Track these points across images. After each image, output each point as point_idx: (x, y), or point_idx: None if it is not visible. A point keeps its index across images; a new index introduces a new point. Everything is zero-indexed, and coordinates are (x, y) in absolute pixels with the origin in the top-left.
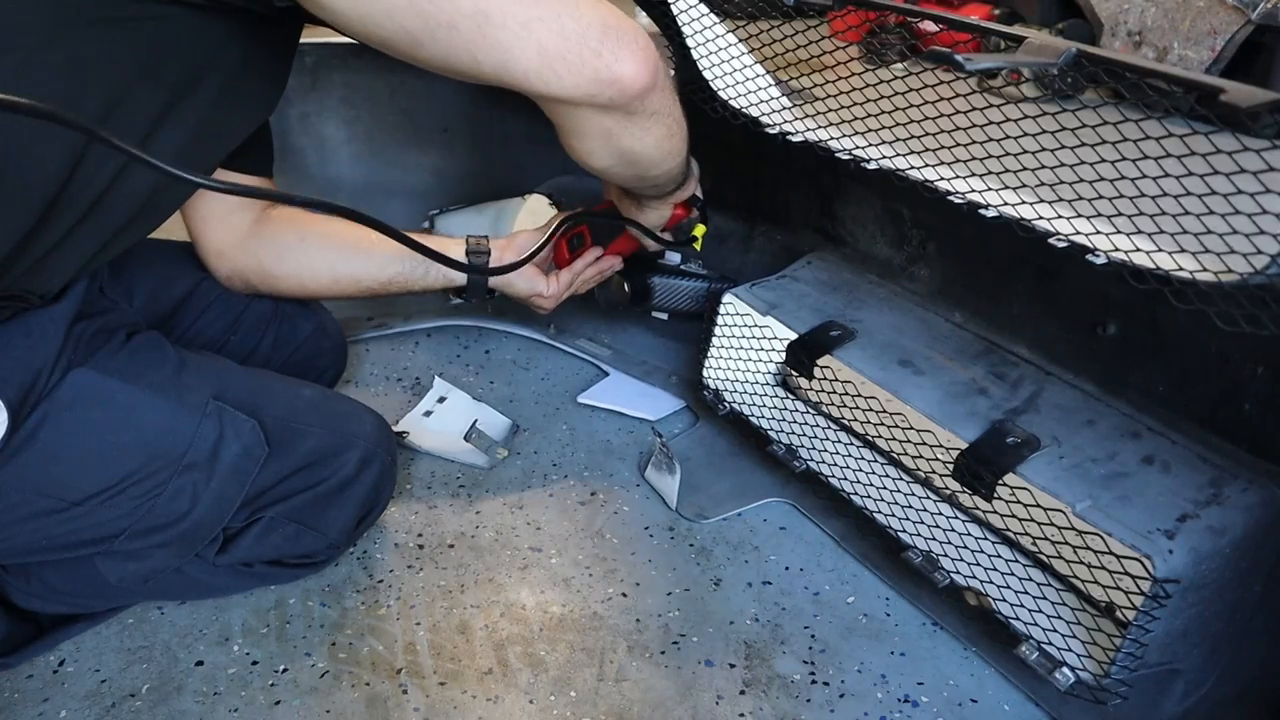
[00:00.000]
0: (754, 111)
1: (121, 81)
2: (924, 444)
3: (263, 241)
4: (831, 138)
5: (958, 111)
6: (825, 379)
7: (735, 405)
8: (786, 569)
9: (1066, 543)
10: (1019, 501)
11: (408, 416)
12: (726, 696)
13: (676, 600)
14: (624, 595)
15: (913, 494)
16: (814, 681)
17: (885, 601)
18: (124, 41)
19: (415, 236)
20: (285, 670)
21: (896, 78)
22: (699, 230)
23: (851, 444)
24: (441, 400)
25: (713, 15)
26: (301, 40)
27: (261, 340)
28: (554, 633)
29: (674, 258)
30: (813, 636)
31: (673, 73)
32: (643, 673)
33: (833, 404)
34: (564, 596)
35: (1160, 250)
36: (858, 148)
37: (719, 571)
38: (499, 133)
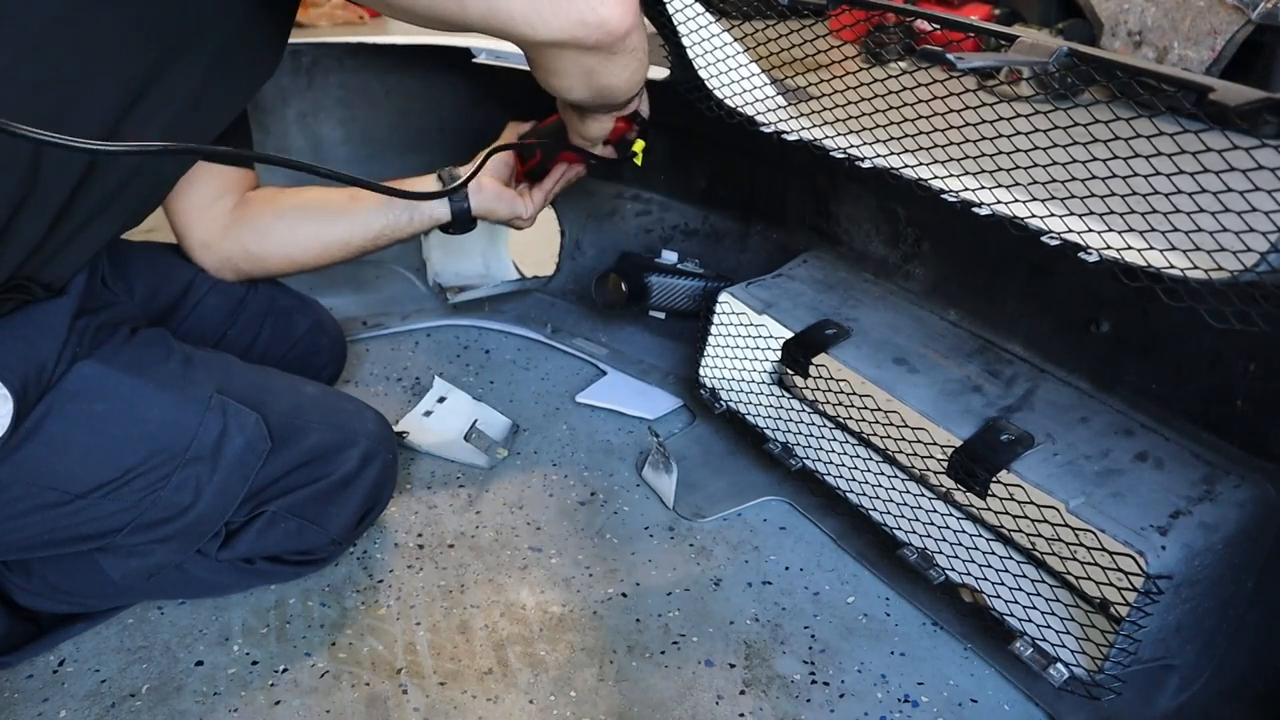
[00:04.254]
0: (749, 110)
1: (133, 58)
2: (919, 442)
3: (243, 226)
4: (826, 136)
5: (951, 110)
6: (821, 377)
7: (732, 404)
8: (786, 569)
9: (1060, 539)
10: (1013, 499)
11: (408, 416)
12: (726, 696)
13: (676, 600)
14: (624, 595)
15: (908, 492)
16: (814, 681)
17: (885, 601)
18: (133, 17)
19: (391, 184)
20: (285, 670)
21: (890, 76)
22: (639, 145)
23: (847, 442)
24: (441, 400)
25: (708, 14)
26: (299, 40)
27: (259, 335)
28: (554, 633)
29: (670, 257)
30: (813, 636)
31: (667, 72)
32: (643, 673)
33: (828, 402)
34: (564, 596)
35: (1152, 248)
36: (852, 146)
37: (719, 571)
38: (494, 132)
